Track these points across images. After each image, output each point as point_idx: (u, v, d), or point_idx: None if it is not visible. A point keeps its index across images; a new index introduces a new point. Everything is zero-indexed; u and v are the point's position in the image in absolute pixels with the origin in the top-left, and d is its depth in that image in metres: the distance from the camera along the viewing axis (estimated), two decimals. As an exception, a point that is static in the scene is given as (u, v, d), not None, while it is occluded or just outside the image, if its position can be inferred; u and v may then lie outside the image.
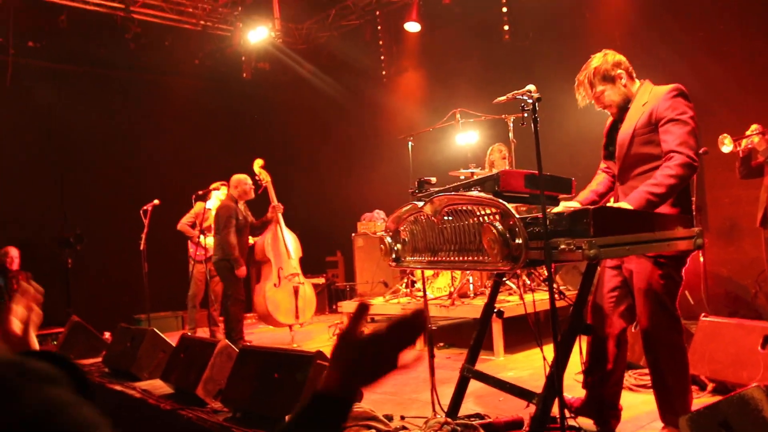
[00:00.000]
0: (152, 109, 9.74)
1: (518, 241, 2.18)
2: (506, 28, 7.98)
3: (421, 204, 2.93)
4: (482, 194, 2.42)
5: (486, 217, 2.43)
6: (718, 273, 6.64)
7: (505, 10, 7.93)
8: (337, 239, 9.79)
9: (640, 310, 2.92)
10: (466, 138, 7.19)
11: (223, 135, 10.38)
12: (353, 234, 8.48)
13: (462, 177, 6.61)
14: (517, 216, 2.19)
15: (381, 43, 9.21)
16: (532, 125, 2.34)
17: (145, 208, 7.49)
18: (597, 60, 3.07)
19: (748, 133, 5.01)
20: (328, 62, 9.80)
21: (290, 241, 6.92)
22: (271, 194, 6.89)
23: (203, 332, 7.45)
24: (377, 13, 9.07)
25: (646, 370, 4.05)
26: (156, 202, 7.52)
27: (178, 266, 8.09)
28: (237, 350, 3.85)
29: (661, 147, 2.84)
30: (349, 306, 7.05)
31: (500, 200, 2.28)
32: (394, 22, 8.98)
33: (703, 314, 4.09)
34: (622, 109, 3.07)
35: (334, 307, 8.74)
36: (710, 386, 3.75)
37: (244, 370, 3.59)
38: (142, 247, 7.43)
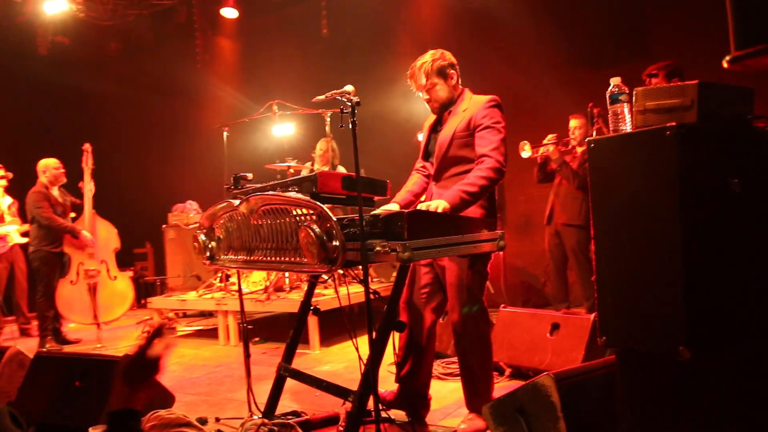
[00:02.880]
0: None
1: (335, 243, 2.20)
2: (324, 21, 8.01)
3: (236, 202, 2.85)
4: (300, 196, 2.41)
5: (303, 218, 2.43)
6: (514, 264, 7.25)
7: (324, 3, 7.96)
8: (147, 230, 9.24)
9: (452, 303, 3.09)
10: (283, 130, 7.13)
11: (12, 116, 9.07)
12: (164, 225, 8.06)
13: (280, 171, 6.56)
14: (334, 218, 2.20)
15: (196, 27, 8.79)
16: (351, 128, 2.36)
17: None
18: (436, 54, 3.18)
19: (545, 141, 5.46)
20: (138, 42, 9.12)
21: (101, 232, 6.43)
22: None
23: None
24: (192, -5, 8.66)
25: (453, 359, 4.33)
26: None
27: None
28: (30, 357, 3.50)
29: (475, 151, 3.04)
30: (160, 302, 6.69)
31: (317, 202, 2.28)
32: (210, 7, 8.61)
33: (502, 305, 4.44)
34: (444, 108, 3.22)
35: (142, 302, 8.22)
36: (508, 371, 4.08)
37: (39, 379, 3.28)
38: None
